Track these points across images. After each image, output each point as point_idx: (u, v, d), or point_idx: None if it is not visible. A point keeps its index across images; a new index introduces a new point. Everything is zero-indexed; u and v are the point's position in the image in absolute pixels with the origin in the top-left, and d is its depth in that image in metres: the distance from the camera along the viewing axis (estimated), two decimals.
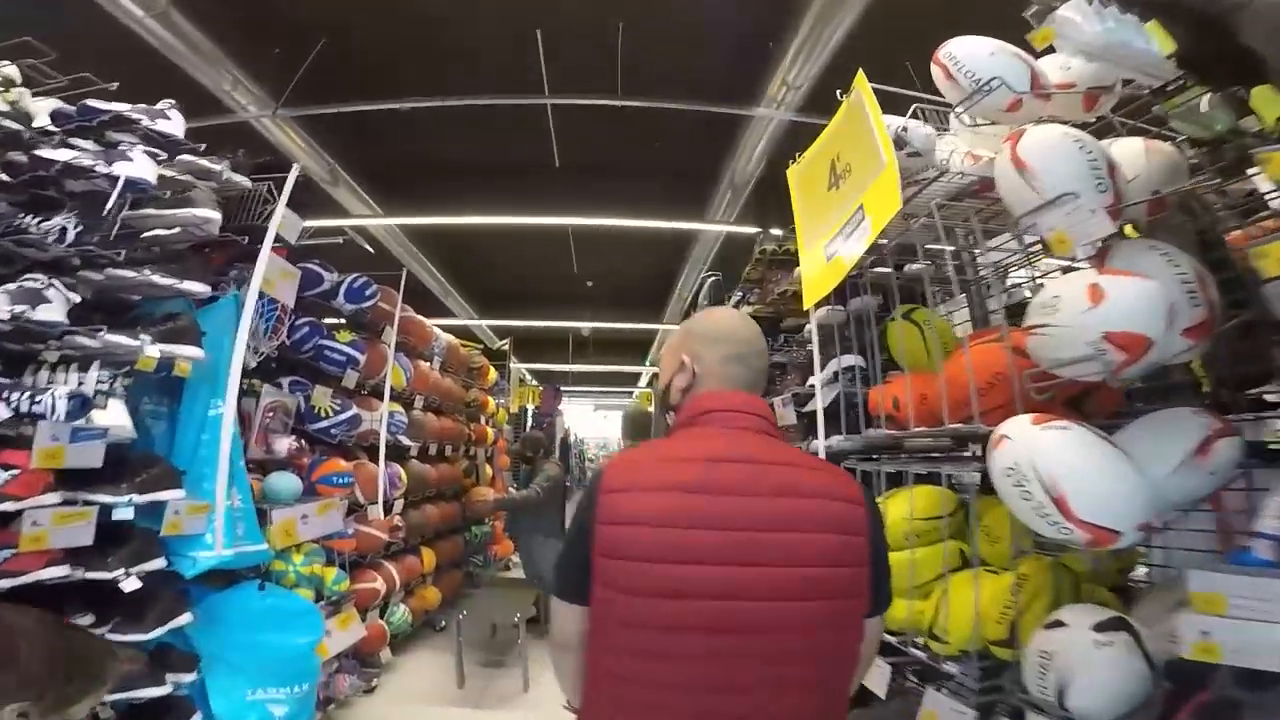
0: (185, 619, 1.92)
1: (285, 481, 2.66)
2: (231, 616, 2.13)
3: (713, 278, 5.72)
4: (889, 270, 2.07)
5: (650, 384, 14.72)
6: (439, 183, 6.61)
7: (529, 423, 9.81)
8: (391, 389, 3.87)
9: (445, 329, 6.05)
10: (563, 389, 13.20)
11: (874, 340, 2.06)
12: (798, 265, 2.25)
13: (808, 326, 2.62)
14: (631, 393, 18.22)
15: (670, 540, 0.81)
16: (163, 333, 1.98)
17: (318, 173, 5.97)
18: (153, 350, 1.92)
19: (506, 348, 8.29)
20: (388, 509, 3.74)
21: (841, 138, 1.79)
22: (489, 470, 6.32)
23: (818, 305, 2.12)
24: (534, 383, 13.87)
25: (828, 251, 1.73)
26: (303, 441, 2.94)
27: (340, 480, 3.08)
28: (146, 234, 2.00)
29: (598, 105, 5.10)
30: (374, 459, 3.97)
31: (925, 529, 1.75)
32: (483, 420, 6.32)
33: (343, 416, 3.16)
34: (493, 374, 6.68)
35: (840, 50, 4.04)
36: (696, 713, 0.81)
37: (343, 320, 3.55)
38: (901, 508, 1.77)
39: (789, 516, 0.84)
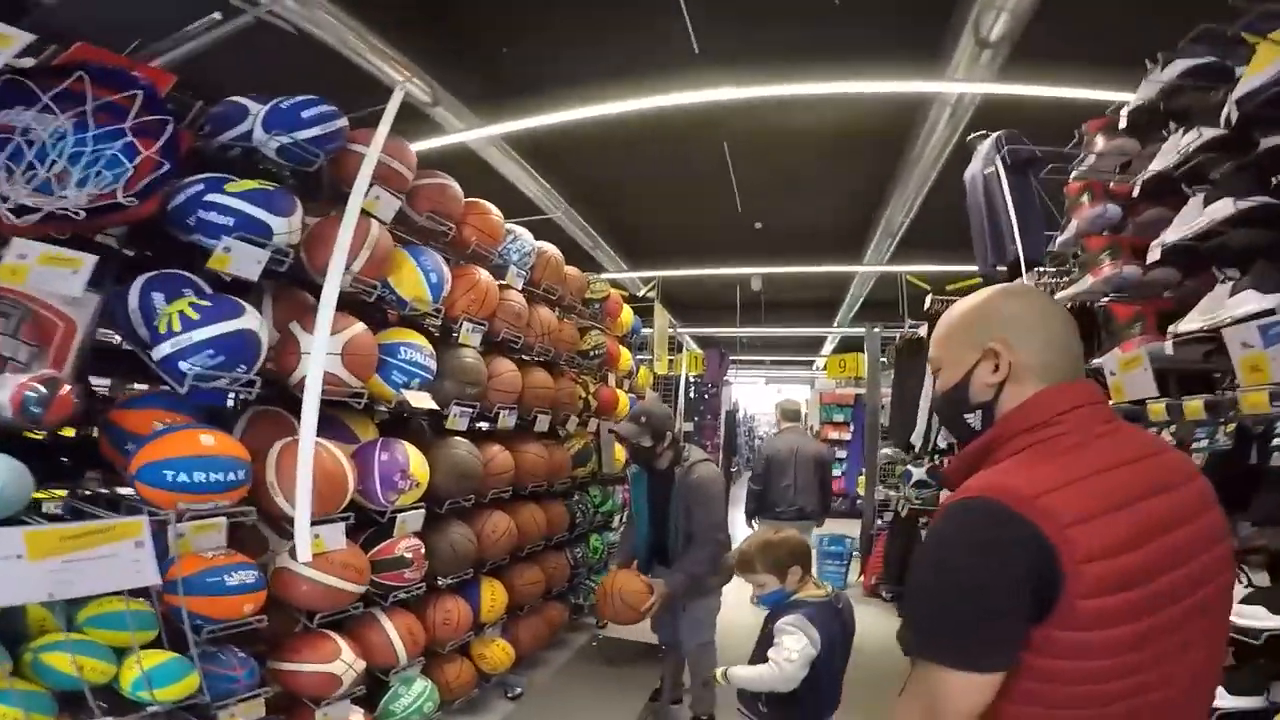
0: None
1: None
2: None
3: (995, 136, 3.23)
4: None
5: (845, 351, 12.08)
6: (548, 89, 4.90)
7: (683, 394, 7.78)
8: (403, 304, 2.13)
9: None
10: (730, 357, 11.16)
11: None
12: None
13: None
14: (812, 363, 15.47)
15: (1155, 554, 0.79)
16: None
17: (414, 93, 4.57)
18: None
19: (653, 294, 6.40)
20: (376, 529, 2.01)
21: None
22: (619, 456, 4.46)
23: None
24: (691, 347, 11.95)
25: None
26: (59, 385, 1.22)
27: (195, 478, 1.37)
28: None
29: None
30: (404, 433, 2.31)
31: None
32: (612, 380, 4.47)
33: (200, 334, 1.43)
34: (628, 316, 4.76)
35: None
36: (1178, 701, 0.82)
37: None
38: None
39: (1203, 499, 0.86)
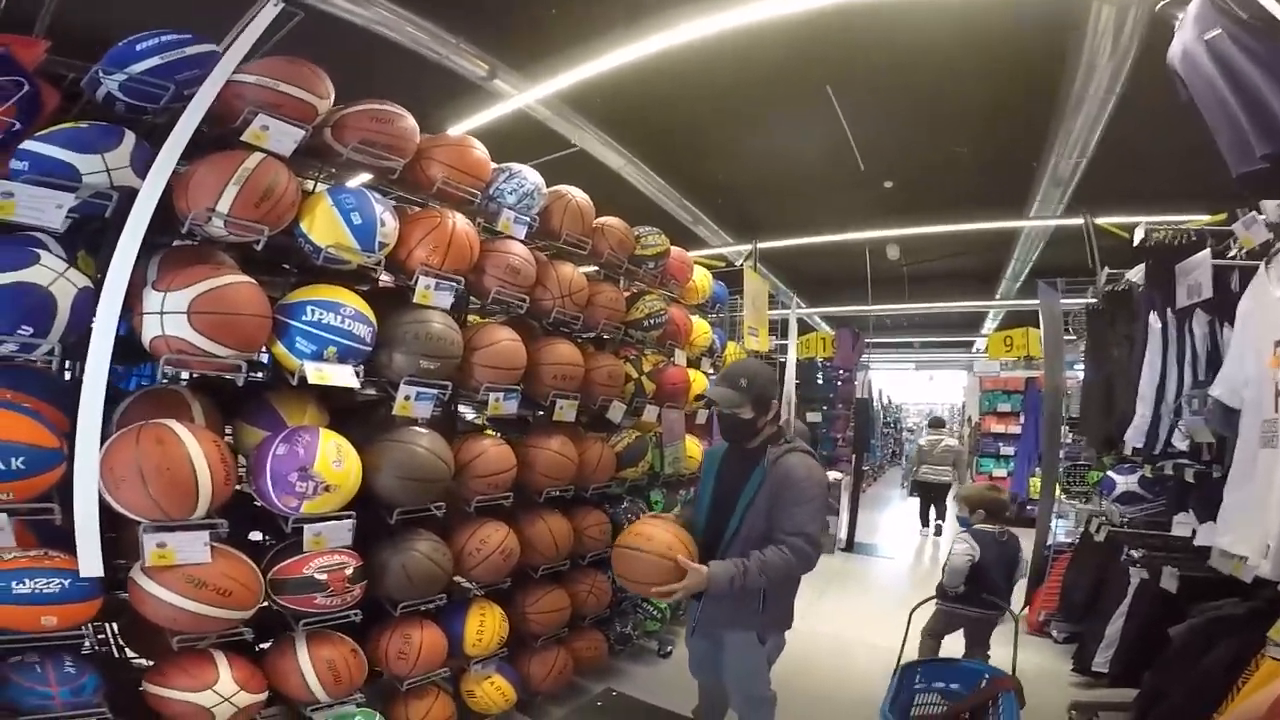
0: None
1: None
2: None
3: None
4: None
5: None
6: (603, 46, 4.34)
7: (792, 378, 6.69)
8: (317, 251, 1.70)
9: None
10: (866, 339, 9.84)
11: None
12: None
13: None
14: (972, 344, 13.32)
15: None
16: None
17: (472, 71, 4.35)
18: None
19: (752, 264, 5.55)
20: (286, 542, 1.60)
21: None
22: (693, 451, 3.77)
23: None
24: (823, 328, 10.74)
25: None
26: None
27: None
28: None
29: None
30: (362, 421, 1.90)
31: None
32: (682, 358, 3.80)
33: None
34: (705, 281, 4.04)
35: None
36: None
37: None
38: None
39: None
